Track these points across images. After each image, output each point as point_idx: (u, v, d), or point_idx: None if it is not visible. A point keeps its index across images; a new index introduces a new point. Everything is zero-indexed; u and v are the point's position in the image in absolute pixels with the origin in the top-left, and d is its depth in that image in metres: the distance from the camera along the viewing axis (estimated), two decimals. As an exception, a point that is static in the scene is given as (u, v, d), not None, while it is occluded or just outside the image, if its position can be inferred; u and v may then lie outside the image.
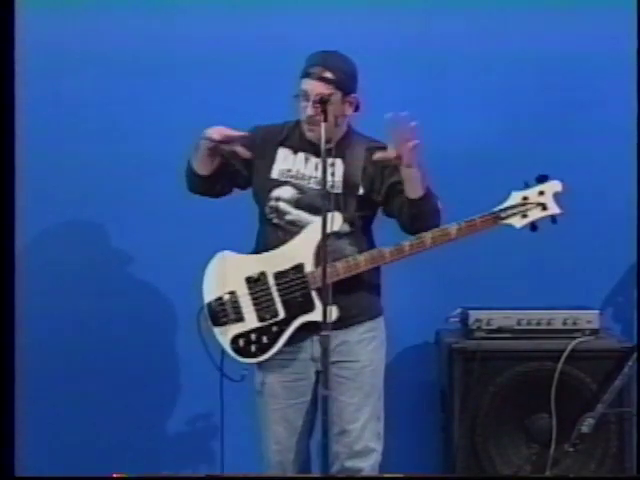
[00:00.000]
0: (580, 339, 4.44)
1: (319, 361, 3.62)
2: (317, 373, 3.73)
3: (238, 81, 4.70)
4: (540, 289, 4.72)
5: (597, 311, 4.53)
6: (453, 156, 4.72)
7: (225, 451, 3.93)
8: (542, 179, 3.75)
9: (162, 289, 4.77)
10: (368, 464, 3.78)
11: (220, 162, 3.79)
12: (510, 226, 3.74)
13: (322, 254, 3.48)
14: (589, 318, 4.49)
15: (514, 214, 3.73)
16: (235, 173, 3.85)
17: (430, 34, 4.73)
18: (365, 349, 3.80)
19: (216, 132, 3.70)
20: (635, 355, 4.38)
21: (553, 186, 3.74)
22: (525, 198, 3.74)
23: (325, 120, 3.53)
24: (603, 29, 4.71)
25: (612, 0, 4.67)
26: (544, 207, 3.73)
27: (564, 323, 4.49)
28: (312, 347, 3.75)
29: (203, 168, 3.79)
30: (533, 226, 3.75)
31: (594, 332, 4.48)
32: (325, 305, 3.47)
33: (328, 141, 3.55)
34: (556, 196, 3.73)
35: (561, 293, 4.69)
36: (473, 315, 4.50)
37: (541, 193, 3.74)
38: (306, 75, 3.72)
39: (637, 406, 4.42)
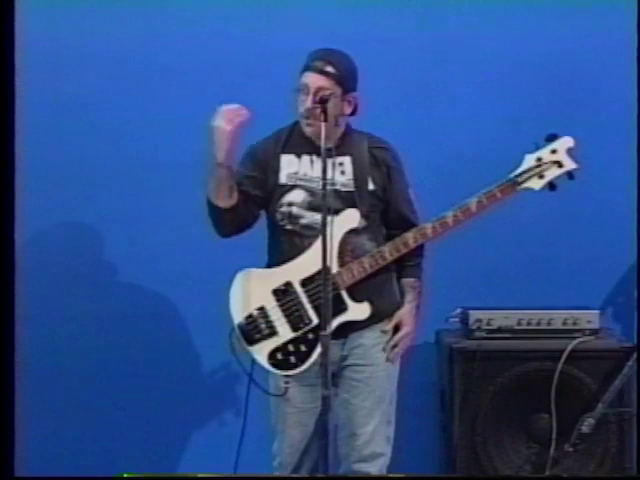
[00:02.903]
0: (580, 339, 4.43)
1: (335, 364, 3.63)
2: (332, 376, 3.63)
3: (239, 81, 4.69)
4: (540, 289, 4.72)
5: (597, 311, 4.53)
6: (454, 153, 4.74)
7: (229, 452, 3.93)
8: (552, 137, 3.73)
9: (163, 289, 4.76)
10: (376, 469, 3.78)
11: (238, 193, 3.71)
12: (529, 189, 3.71)
13: (323, 256, 3.45)
14: (589, 318, 4.49)
15: (531, 176, 3.72)
16: (249, 198, 3.77)
17: (431, 34, 4.73)
18: (380, 353, 3.80)
19: (224, 133, 3.59)
20: (635, 355, 4.38)
21: (565, 142, 3.73)
22: (539, 159, 3.72)
23: (325, 120, 3.52)
24: (603, 28, 4.71)
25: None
26: (560, 164, 3.72)
27: (564, 323, 4.49)
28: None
29: (224, 199, 3.69)
30: (551, 185, 3.73)
31: (594, 332, 4.47)
32: (325, 304, 3.45)
33: (327, 139, 3.52)
34: (569, 151, 3.72)
35: (561, 293, 4.69)
36: (473, 315, 4.50)
37: (554, 151, 3.72)
38: (307, 69, 3.71)
39: (637, 406, 4.42)
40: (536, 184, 3.71)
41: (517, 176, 3.72)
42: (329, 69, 3.68)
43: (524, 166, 3.72)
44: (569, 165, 3.72)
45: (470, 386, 4.41)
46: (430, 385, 4.71)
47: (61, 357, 4.70)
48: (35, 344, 4.58)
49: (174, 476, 4.67)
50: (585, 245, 4.72)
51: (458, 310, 4.60)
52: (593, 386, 4.40)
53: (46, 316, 4.66)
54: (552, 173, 3.71)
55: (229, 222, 3.76)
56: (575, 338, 4.43)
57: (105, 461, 4.65)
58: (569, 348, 4.38)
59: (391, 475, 3.81)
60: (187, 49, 4.72)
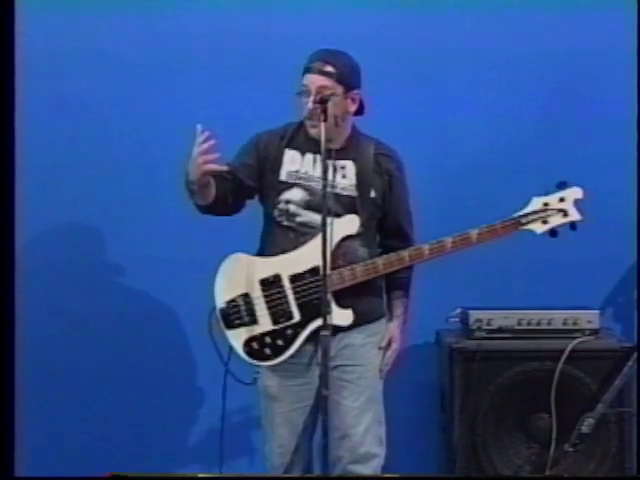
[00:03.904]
0: (580, 339, 4.43)
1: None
2: (319, 377, 3.61)
3: (239, 81, 4.70)
4: (540, 289, 4.72)
5: (597, 311, 4.53)
6: (453, 157, 4.74)
7: (228, 451, 3.93)
8: (562, 186, 3.77)
9: (162, 288, 4.75)
10: (370, 470, 3.76)
11: (218, 185, 3.69)
12: (530, 232, 3.76)
13: (323, 256, 3.46)
14: (589, 318, 4.49)
15: (535, 220, 3.75)
16: (240, 187, 3.78)
17: (430, 34, 4.73)
18: (369, 353, 3.80)
19: (196, 172, 3.57)
20: (635, 355, 4.38)
21: (574, 192, 3.77)
22: (546, 204, 3.76)
23: (325, 120, 3.52)
24: (603, 28, 4.71)
25: None
26: (565, 213, 3.76)
27: (564, 323, 4.49)
28: (316, 351, 3.71)
29: (204, 199, 3.69)
30: (553, 232, 3.77)
31: (594, 332, 4.47)
32: (324, 305, 3.46)
33: (329, 140, 3.55)
34: (576, 203, 3.76)
35: (561, 293, 4.69)
36: (473, 315, 4.50)
37: (562, 200, 3.76)
38: (306, 71, 3.72)
39: (637, 406, 4.42)
40: (538, 228, 3.76)
41: (522, 216, 3.76)
42: (328, 69, 3.69)
43: (530, 208, 3.76)
44: (574, 216, 3.76)
45: (470, 386, 4.41)
46: (430, 385, 4.71)
47: (61, 357, 4.70)
48: (35, 344, 4.58)
49: (174, 476, 4.67)
50: (585, 245, 4.71)
51: (458, 310, 4.60)
52: (593, 386, 4.40)
53: (46, 316, 4.66)
54: (556, 221, 3.76)
55: (206, 211, 3.77)
56: (575, 338, 4.43)
57: (105, 461, 4.65)
58: (569, 348, 4.38)
59: (388, 475, 3.81)
60: (188, 49, 4.71)
